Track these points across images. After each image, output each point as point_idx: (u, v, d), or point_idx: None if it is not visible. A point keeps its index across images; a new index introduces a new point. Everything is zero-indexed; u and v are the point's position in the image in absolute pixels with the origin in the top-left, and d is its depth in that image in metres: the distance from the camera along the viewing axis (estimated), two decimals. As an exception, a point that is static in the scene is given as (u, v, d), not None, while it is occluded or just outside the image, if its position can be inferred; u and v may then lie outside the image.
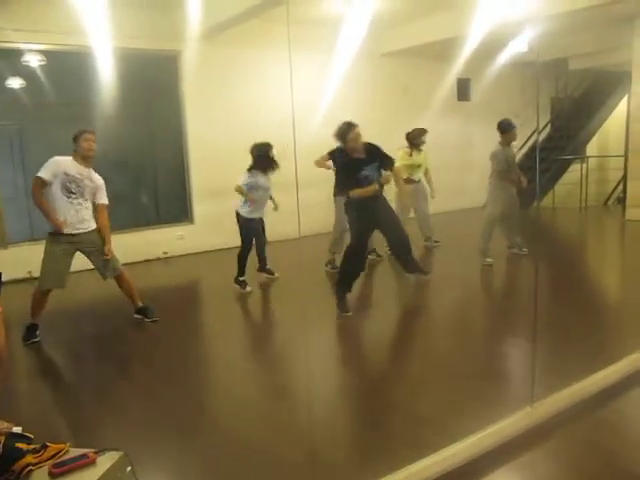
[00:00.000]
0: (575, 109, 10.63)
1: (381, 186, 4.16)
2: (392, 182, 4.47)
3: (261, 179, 4.89)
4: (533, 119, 9.64)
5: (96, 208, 4.00)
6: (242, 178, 4.88)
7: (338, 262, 4.98)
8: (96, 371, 3.46)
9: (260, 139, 4.95)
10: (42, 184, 3.75)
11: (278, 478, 2.22)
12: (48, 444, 1.83)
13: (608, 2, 6.30)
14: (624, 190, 8.95)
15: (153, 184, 7.16)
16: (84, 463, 1.75)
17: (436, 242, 6.67)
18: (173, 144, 7.05)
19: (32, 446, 1.82)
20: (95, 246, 3.97)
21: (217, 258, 6.69)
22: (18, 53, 5.74)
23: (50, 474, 1.71)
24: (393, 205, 4.60)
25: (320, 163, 5.19)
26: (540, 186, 8.26)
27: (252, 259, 5.19)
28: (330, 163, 5.15)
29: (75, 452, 1.81)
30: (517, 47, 7.11)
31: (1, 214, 5.83)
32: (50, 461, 1.76)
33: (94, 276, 4.13)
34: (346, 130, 4.04)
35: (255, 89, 7.11)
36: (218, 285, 5.56)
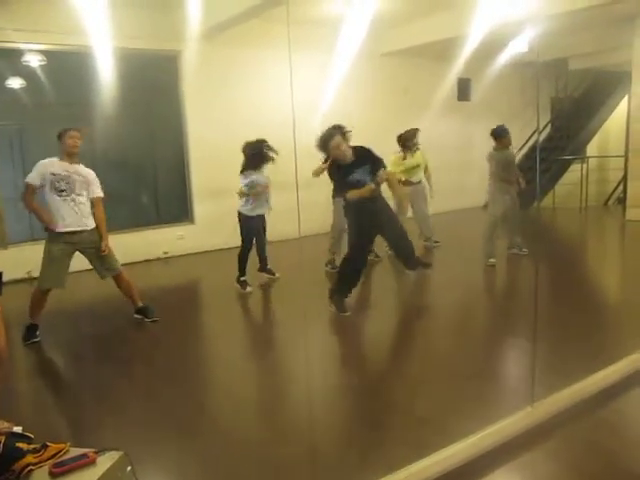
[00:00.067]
0: (575, 109, 10.63)
1: (377, 185, 4.08)
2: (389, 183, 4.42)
3: (255, 177, 4.87)
4: (533, 119, 9.66)
5: (92, 203, 4.00)
6: (240, 182, 4.89)
7: (338, 262, 4.98)
8: (96, 371, 3.46)
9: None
10: (32, 189, 3.80)
11: (278, 478, 2.22)
12: (48, 444, 1.83)
13: (608, 2, 6.29)
14: (624, 190, 8.95)
15: (153, 184, 7.16)
16: (84, 463, 1.75)
17: (436, 242, 6.67)
18: (173, 144, 7.05)
19: (32, 446, 1.82)
20: (95, 245, 3.97)
21: (217, 258, 6.69)
22: (18, 53, 5.74)
23: (50, 474, 1.71)
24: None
25: (317, 172, 5.12)
26: (540, 186, 8.26)
27: (253, 259, 5.20)
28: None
29: (75, 452, 1.81)
30: (517, 47, 7.11)
31: (1, 214, 5.83)
32: (50, 461, 1.76)
33: (94, 276, 4.13)
34: (326, 140, 3.95)
35: (255, 89, 7.11)
36: (218, 285, 5.56)
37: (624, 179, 9.15)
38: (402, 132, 6.18)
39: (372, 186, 4.01)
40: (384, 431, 2.53)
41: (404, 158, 6.19)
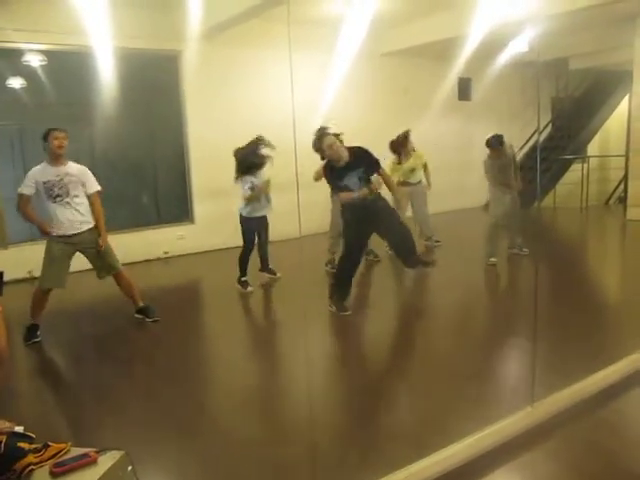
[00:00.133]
0: (576, 109, 10.62)
1: (370, 191, 4.00)
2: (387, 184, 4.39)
3: (251, 180, 4.85)
4: (534, 119, 9.68)
5: (89, 199, 3.95)
6: (242, 187, 4.87)
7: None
8: (97, 371, 3.46)
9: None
10: (26, 199, 3.78)
11: (278, 478, 2.23)
12: (49, 443, 1.83)
13: (608, 1, 6.28)
14: (625, 190, 8.96)
15: (153, 184, 7.16)
16: (85, 462, 1.75)
17: (437, 242, 6.67)
18: (173, 144, 7.05)
19: (33, 445, 1.82)
20: (95, 245, 3.97)
21: (218, 258, 6.69)
22: (19, 53, 5.74)
23: (51, 473, 1.72)
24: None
25: (317, 176, 5.10)
26: (541, 186, 8.28)
27: (254, 259, 5.20)
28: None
29: (76, 451, 1.82)
30: (518, 47, 7.11)
31: (1, 214, 5.84)
32: (51, 460, 1.76)
33: (94, 276, 4.13)
34: (319, 140, 3.94)
35: (255, 89, 7.11)
36: (219, 285, 5.57)
37: (625, 178, 9.16)
38: (393, 139, 6.16)
39: (365, 191, 3.95)
40: (384, 431, 2.54)
41: (399, 163, 6.20)
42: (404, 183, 6.15)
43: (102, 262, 4.02)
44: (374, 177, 4.13)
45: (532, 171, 7.09)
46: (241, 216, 5.01)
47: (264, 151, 4.83)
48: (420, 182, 6.41)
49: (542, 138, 10.42)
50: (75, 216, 3.86)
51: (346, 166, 3.96)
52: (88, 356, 3.80)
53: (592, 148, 10.93)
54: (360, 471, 2.21)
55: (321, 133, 3.98)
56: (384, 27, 7.48)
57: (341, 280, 4.29)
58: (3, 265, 2.50)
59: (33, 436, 1.90)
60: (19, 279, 5.39)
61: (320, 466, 2.25)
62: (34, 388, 3.30)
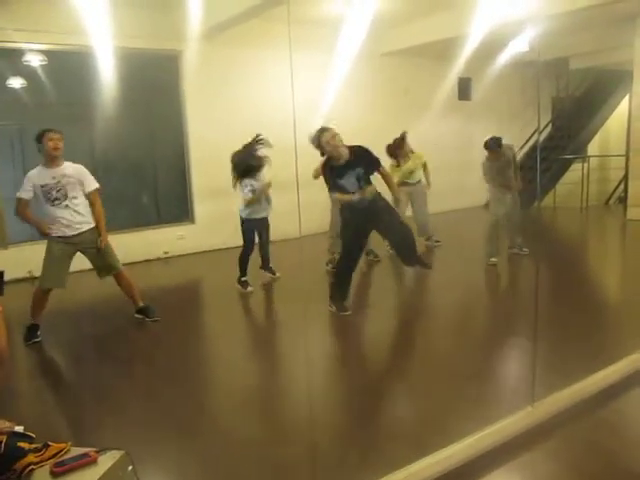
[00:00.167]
0: (576, 108, 10.62)
1: (369, 192, 3.98)
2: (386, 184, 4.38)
3: (250, 183, 4.84)
4: (534, 118, 9.67)
5: (89, 198, 3.93)
6: (243, 191, 4.86)
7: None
8: (97, 371, 3.46)
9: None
10: (25, 203, 3.77)
11: (278, 478, 2.23)
12: (49, 443, 1.83)
13: (608, 1, 6.29)
14: (625, 190, 8.96)
15: (153, 184, 7.16)
16: (85, 462, 1.75)
17: (437, 242, 6.67)
18: (174, 144, 7.05)
19: (34, 445, 1.82)
20: (96, 245, 3.97)
21: (218, 258, 6.70)
22: (19, 53, 5.75)
23: (51, 473, 1.72)
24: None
25: (316, 174, 5.10)
26: (541, 186, 8.28)
27: (254, 259, 5.20)
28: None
29: (76, 451, 1.82)
30: (518, 46, 7.10)
31: (1, 214, 5.84)
32: (51, 460, 1.76)
33: (95, 276, 4.13)
34: (318, 137, 3.93)
35: (256, 89, 7.11)
36: (219, 285, 5.57)
37: (625, 178, 9.16)
38: (390, 143, 6.16)
39: (362, 193, 3.94)
40: (384, 431, 2.54)
41: (398, 165, 6.21)
42: (404, 183, 6.15)
43: (103, 262, 4.02)
44: (368, 187, 4.07)
45: (532, 171, 7.09)
46: (241, 218, 5.02)
47: (261, 152, 4.82)
48: (420, 182, 6.42)
49: (542, 138, 10.43)
50: (74, 217, 3.85)
51: (346, 164, 3.95)
52: (88, 356, 3.80)
53: (592, 148, 10.92)
54: (360, 471, 2.21)
55: (321, 129, 3.97)
56: (384, 27, 7.48)
57: (340, 280, 4.29)
58: (3, 265, 2.50)
59: (33, 436, 1.90)
60: (19, 279, 5.39)
61: (320, 466, 2.25)
62: (34, 388, 3.29)
